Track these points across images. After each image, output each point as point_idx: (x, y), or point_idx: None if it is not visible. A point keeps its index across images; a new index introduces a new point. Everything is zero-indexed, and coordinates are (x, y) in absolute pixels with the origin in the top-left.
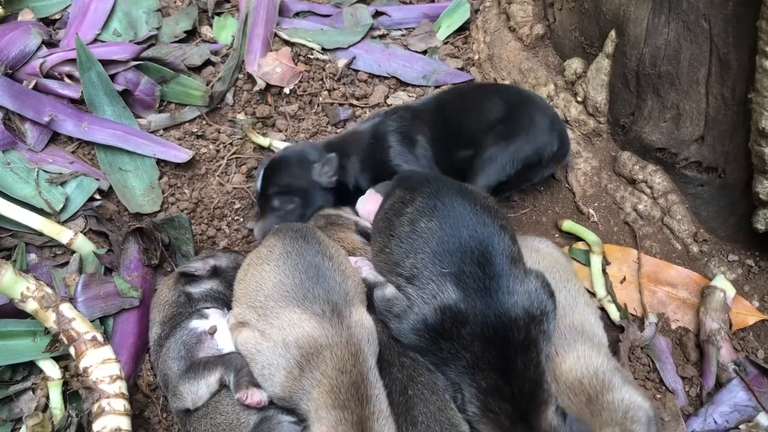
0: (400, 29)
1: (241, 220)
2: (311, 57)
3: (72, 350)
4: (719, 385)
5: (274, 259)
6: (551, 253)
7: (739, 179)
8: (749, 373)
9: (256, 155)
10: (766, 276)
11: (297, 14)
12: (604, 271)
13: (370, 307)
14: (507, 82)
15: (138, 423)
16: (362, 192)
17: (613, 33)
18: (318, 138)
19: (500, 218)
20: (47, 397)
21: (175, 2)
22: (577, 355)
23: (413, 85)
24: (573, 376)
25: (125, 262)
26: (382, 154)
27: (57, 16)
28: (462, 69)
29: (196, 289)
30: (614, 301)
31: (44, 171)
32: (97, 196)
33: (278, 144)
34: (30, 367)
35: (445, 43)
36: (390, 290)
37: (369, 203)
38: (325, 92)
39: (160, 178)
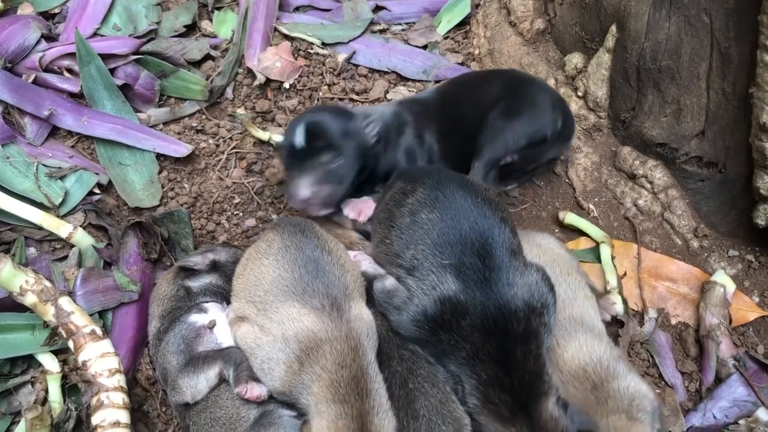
0: (400, 24)
1: (241, 215)
2: (311, 51)
3: (71, 344)
4: (719, 380)
5: (273, 253)
6: (551, 248)
7: (739, 174)
8: (749, 369)
9: (256, 150)
10: (766, 271)
11: (297, 9)
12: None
13: (370, 301)
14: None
15: (137, 417)
16: (377, 175)
17: (613, 28)
18: None
19: (501, 211)
20: (46, 391)
21: None
22: (579, 344)
23: (413, 80)
24: (576, 365)
25: (124, 256)
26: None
27: (56, 10)
28: (462, 64)
29: (195, 284)
30: (621, 293)
31: (44, 165)
32: (97, 191)
33: (278, 138)
34: (29, 361)
35: (446, 38)
36: (390, 282)
37: (359, 203)
38: (325, 87)
39: (160, 172)
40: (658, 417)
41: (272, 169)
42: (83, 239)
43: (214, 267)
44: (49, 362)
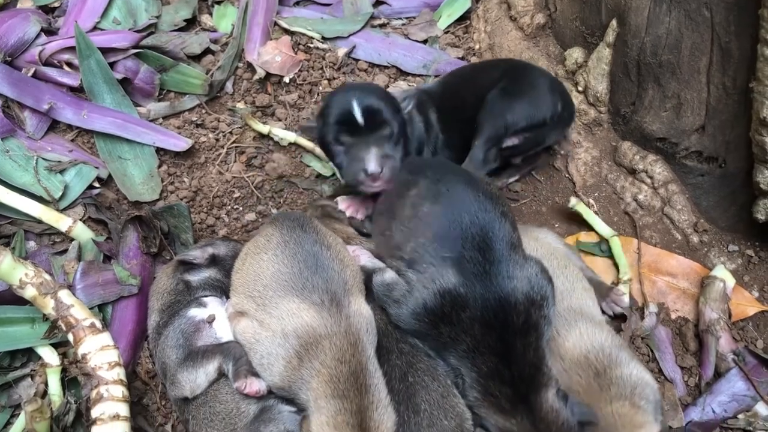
0: (400, 18)
1: (240, 209)
2: (311, 46)
3: (70, 337)
4: (718, 374)
5: (272, 248)
6: (549, 242)
7: (739, 169)
8: (748, 363)
9: (256, 144)
10: (766, 266)
11: (297, 3)
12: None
13: (369, 296)
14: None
15: (136, 410)
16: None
17: (614, 22)
18: None
19: (501, 205)
20: (46, 384)
21: None
22: (580, 333)
23: (413, 75)
24: (578, 353)
25: (124, 249)
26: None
27: (56, 4)
28: (462, 58)
29: (194, 278)
30: (631, 287)
31: (43, 159)
32: (96, 184)
33: (278, 132)
34: (29, 354)
35: (446, 33)
36: (389, 275)
37: (355, 200)
38: (325, 81)
39: (160, 166)
40: (660, 410)
41: (272, 163)
42: (83, 233)
43: (213, 261)
44: (49, 355)
